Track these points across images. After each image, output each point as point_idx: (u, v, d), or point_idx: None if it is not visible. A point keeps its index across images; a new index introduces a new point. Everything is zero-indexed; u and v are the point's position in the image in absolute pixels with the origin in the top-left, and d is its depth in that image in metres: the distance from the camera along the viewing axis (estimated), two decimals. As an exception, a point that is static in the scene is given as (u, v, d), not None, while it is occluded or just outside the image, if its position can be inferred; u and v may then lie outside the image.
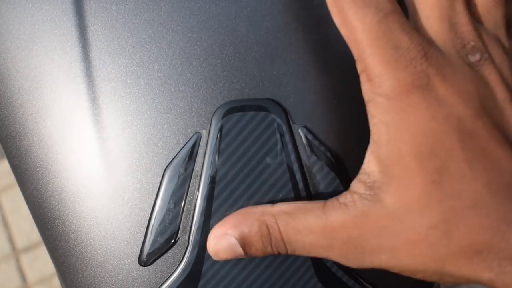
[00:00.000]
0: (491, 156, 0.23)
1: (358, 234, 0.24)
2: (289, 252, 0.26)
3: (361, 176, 0.25)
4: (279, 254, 0.26)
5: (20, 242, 1.17)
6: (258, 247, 0.26)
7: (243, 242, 0.26)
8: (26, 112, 0.28)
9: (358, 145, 0.28)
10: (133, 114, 0.27)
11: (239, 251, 0.26)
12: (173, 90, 0.27)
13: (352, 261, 0.25)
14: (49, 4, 0.28)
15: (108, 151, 0.27)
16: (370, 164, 0.25)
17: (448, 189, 0.23)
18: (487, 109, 0.24)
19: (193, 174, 0.27)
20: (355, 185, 0.25)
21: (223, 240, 0.26)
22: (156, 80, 0.27)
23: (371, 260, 0.25)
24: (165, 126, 0.27)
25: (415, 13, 0.25)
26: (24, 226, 1.18)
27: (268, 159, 0.27)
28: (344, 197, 0.25)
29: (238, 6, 0.27)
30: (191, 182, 0.27)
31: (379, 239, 0.24)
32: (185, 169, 0.27)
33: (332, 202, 0.25)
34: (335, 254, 0.25)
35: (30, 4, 0.28)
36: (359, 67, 0.24)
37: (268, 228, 0.26)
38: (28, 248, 1.17)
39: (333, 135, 0.28)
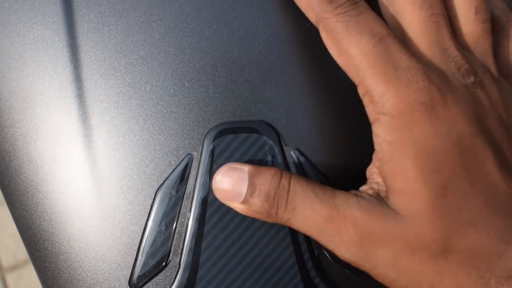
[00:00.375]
0: (488, 175, 0.24)
1: (361, 216, 0.24)
2: (287, 211, 0.25)
3: (369, 183, 0.26)
4: (276, 216, 0.25)
5: (6, 261, 1.15)
6: (262, 191, 0.25)
7: (253, 180, 0.26)
8: (16, 132, 0.28)
9: (350, 168, 0.28)
10: (125, 135, 0.27)
11: (242, 190, 0.26)
12: (165, 111, 0.27)
13: (347, 247, 0.25)
14: (40, 24, 0.28)
15: (99, 172, 0.27)
16: (374, 176, 0.25)
17: (451, 204, 0.23)
18: (482, 129, 0.24)
19: (184, 196, 0.27)
20: (365, 188, 0.26)
21: (235, 172, 0.26)
22: (148, 101, 0.27)
23: (367, 251, 0.24)
24: (156, 148, 0.27)
25: (406, 41, 0.25)
26: (10, 245, 1.16)
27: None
28: (354, 191, 0.26)
29: (230, 28, 0.28)
30: (182, 204, 0.27)
31: (380, 232, 0.24)
32: (177, 191, 0.27)
33: (341, 191, 0.25)
34: (331, 229, 0.25)
35: (22, 24, 0.28)
36: (361, 90, 0.24)
37: (281, 176, 0.26)
38: (14, 267, 1.15)
39: (325, 158, 0.28)
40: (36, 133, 0.28)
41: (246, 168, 0.26)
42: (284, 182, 0.25)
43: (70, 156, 0.27)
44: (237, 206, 0.26)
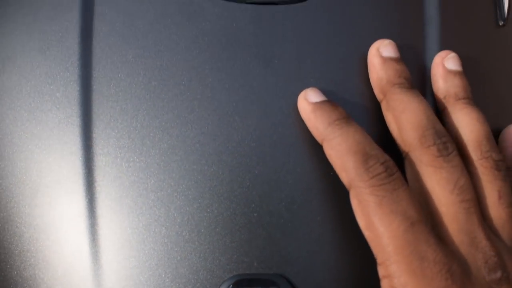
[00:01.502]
0: None
1: None
2: None
3: None
4: None
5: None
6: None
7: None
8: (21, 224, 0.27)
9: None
10: (136, 279, 0.26)
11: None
12: (178, 258, 0.26)
13: None
14: (55, 110, 0.27)
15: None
16: None
17: None
18: None
19: None
20: None
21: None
22: (161, 246, 0.26)
23: None
24: None
25: (434, 225, 0.24)
26: None
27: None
28: None
29: (252, 174, 0.26)
30: None
31: None
32: None
33: None
34: None
35: (35, 106, 0.27)
36: (381, 271, 0.24)
37: None
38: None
39: None
40: (42, 233, 0.27)
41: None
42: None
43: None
44: None
